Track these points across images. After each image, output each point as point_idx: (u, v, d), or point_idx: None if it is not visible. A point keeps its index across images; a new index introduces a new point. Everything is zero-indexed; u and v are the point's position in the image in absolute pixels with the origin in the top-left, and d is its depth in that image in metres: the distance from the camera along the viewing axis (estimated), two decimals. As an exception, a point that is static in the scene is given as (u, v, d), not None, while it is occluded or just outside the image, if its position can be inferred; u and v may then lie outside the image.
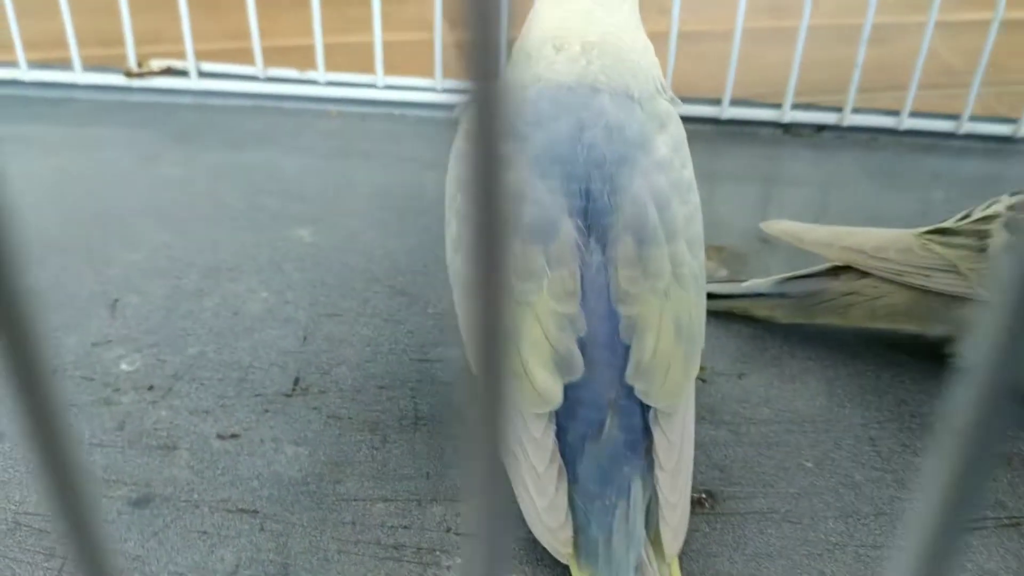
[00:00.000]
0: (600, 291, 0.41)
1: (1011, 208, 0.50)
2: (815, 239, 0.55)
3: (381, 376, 0.51)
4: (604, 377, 0.41)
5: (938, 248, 0.51)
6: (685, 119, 0.77)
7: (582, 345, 0.41)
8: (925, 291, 0.52)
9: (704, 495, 0.46)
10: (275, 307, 0.56)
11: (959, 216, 0.53)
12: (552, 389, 0.40)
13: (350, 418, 0.49)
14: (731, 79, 0.73)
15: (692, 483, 0.46)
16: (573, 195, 0.42)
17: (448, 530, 0.43)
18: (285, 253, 0.61)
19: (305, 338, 0.54)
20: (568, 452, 0.41)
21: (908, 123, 0.74)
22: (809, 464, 0.48)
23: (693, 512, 0.44)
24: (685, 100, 0.75)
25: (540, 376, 0.40)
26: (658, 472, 0.41)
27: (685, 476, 0.42)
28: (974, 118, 0.74)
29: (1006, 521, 0.45)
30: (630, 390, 0.41)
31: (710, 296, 0.56)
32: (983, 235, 0.50)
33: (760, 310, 0.56)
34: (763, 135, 0.77)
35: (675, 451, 0.41)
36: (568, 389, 0.40)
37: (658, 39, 0.56)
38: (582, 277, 0.41)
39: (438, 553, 0.42)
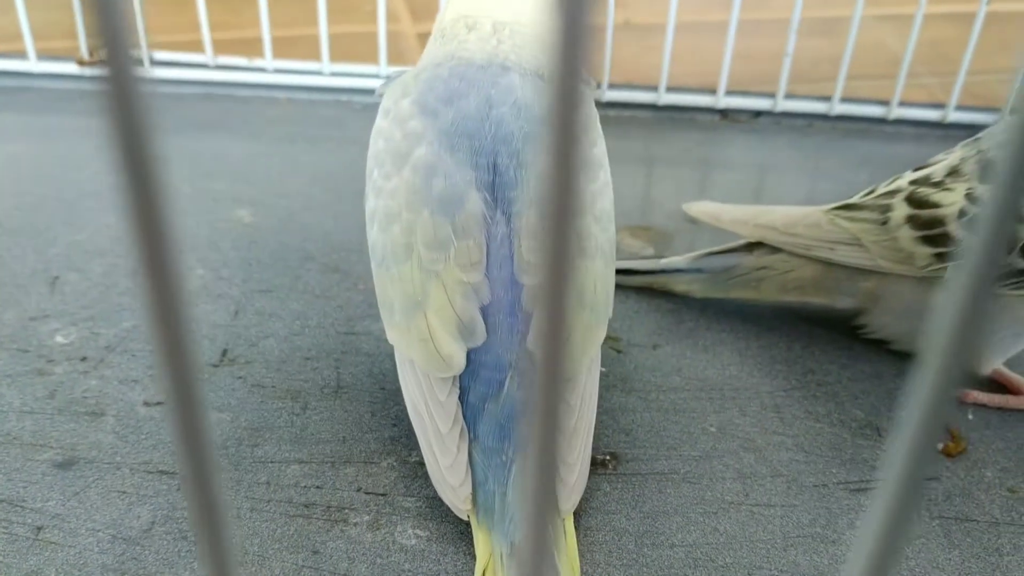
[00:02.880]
0: (504, 261, 0.43)
1: (913, 183, 0.52)
2: (731, 218, 0.57)
3: (307, 348, 0.53)
4: (506, 342, 0.43)
5: (843, 223, 0.53)
6: (624, 105, 0.79)
7: (485, 312, 0.43)
8: (831, 264, 0.54)
9: (608, 457, 0.48)
10: (210, 283, 0.58)
11: (864, 192, 0.55)
12: (456, 355, 0.42)
13: (273, 386, 0.50)
14: (666, 64, 0.75)
15: (598, 446, 0.48)
16: (480, 169, 0.43)
17: (359, 489, 0.45)
18: (224, 233, 0.62)
19: (236, 312, 0.56)
20: (470, 413, 0.43)
21: (840, 108, 0.76)
22: (712, 429, 0.49)
23: (596, 472, 0.47)
24: (626, 87, 0.77)
25: (445, 342, 0.42)
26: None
27: (584, 438, 0.44)
28: (904, 104, 0.76)
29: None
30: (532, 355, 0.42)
31: (631, 272, 0.58)
32: (885, 209, 0.52)
33: (678, 285, 0.58)
34: (701, 121, 0.79)
35: (573, 414, 0.43)
36: (471, 353, 0.42)
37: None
38: (488, 248, 0.43)
39: (347, 511, 0.44)
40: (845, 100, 0.75)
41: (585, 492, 0.44)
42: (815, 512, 0.45)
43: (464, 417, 0.43)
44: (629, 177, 0.71)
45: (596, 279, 0.45)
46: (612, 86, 0.77)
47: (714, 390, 0.52)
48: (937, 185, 0.51)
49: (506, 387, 0.42)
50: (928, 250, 0.50)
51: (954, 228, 0.49)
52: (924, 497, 0.47)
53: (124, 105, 0.14)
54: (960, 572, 0.43)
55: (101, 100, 0.14)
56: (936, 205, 0.50)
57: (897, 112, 0.75)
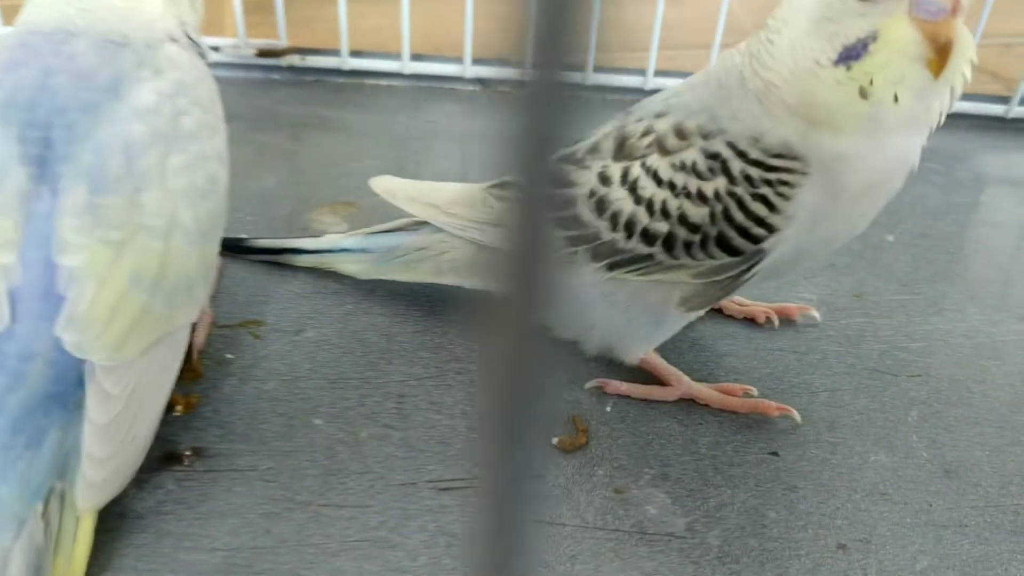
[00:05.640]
0: (42, 241, 0.40)
1: (560, 159, 0.48)
2: (405, 194, 0.54)
3: None
4: (34, 329, 0.40)
5: (495, 201, 0.50)
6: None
7: (15, 296, 0.40)
8: (484, 246, 0.50)
9: (190, 452, 0.45)
10: None
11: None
12: None
13: None
14: (406, 31, 0.71)
15: (185, 439, 0.45)
16: (29, 142, 0.41)
17: None
18: None
19: None
20: (-9, 404, 0.40)
21: (654, 83, 0.74)
22: (318, 421, 0.46)
23: (168, 468, 0.44)
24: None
25: None
26: (87, 426, 0.40)
27: (127, 432, 0.41)
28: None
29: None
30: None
31: (297, 252, 0.55)
32: (528, 188, 0.48)
33: (346, 265, 0.54)
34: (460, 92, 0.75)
35: (115, 405, 0.40)
36: (-6, 339, 0.39)
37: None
38: (26, 228, 0.40)
39: None
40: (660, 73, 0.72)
41: (148, 491, 0.42)
42: (388, 513, 0.42)
43: (-11, 408, 0.40)
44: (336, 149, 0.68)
45: (169, 260, 0.41)
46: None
47: (347, 379, 0.49)
48: (578, 163, 0.47)
49: (28, 378, 0.40)
50: (557, 233, 0.47)
51: (583, 211, 0.46)
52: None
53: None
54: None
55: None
56: (572, 185, 0.47)
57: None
